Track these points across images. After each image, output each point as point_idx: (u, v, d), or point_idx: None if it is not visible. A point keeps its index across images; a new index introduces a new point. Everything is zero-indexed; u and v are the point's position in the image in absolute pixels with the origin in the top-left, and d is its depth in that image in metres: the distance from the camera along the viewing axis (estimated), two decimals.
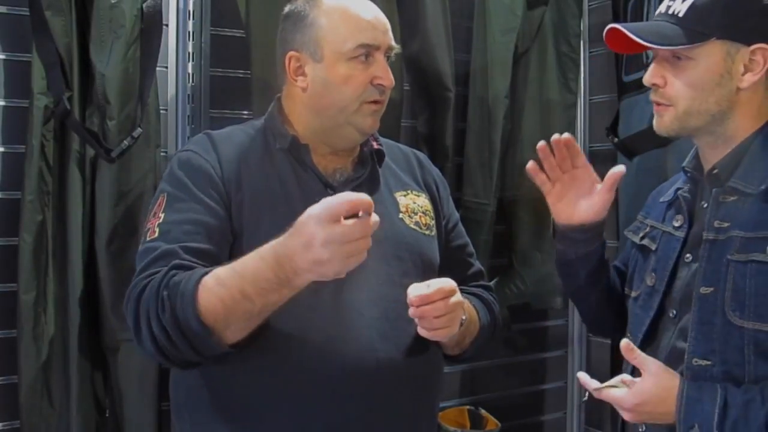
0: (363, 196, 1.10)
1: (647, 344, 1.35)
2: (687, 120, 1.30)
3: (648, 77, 1.32)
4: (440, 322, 1.28)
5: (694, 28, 1.26)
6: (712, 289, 1.25)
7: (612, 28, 1.31)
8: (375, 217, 1.11)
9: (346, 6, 1.39)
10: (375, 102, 1.39)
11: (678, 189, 1.41)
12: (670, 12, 1.29)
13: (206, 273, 1.21)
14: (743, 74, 1.27)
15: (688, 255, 1.33)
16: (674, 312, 1.33)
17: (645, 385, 1.21)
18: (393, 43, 1.41)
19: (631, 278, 1.48)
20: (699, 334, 1.25)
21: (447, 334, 1.32)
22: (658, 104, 1.33)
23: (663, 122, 1.33)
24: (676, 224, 1.38)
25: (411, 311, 1.26)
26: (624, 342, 1.23)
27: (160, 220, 1.31)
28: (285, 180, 1.38)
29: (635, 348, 1.23)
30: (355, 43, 1.36)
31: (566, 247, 1.49)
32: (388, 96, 1.42)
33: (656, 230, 1.43)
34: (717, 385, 1.20)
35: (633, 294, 1.45)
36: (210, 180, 1.34)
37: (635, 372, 1.30)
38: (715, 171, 1.32)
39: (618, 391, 1.22)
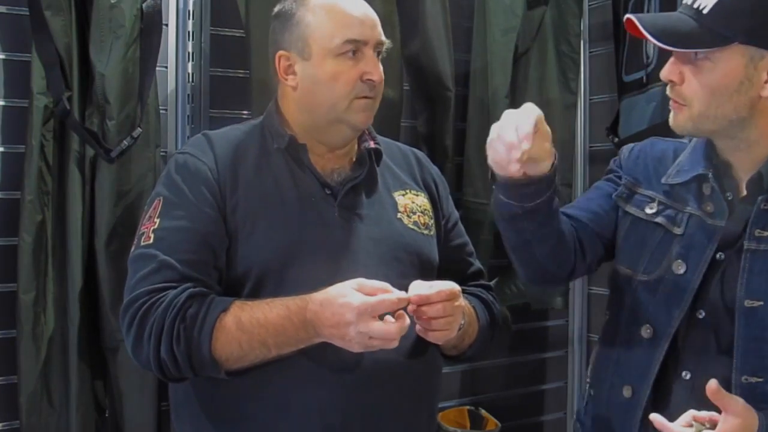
0: (401, 296, 1.21)
1: (674, 341, 1.27)
2: (702, 122, 1.24)
3: (665, 73, 1.25)
4: (438, 324, 1.28)
5: (717, 29, 1.19)
6: (760, 302, 1.20)
7: (629, 20, 1.24)
8: (406, 321, 1.21)
9: (332, 2, 1.38)
10: (366, 97, 1.37)
11: (700, 174, 1.31)
12: (695, 6, 1.22)
13: (225, 310, 1.25)
14: (766, 82, 1.20)
15: (720, 253, 1.26)
16: (702, 314, 1.26)
17: (731, 426, 1.11)
18: (383, 38, 1.40)
19: (631, 255, 1.37)
20: (747, 350, 1.20)
21: (443, 336, 1.31)
22: (675, 102, 1.26)
23: (677, 121, 1.27)
24: (708, 210, 1.28)
25: (409, 308, 1.26)
26: (713, 385, 1.11)
27: (156, 226, 1.32)
28: (281, 180, 1.37)
29: (721, 389, 1.11)
30: (342, 38, 1.35)
31: (510, 200, 1.27)
32: (380, 91, 1.40)
33: (671, 209, 1.33)
34: None
35: (643, 277, 1.34)
36: (206, 183, 1.34)
37: (666, 377, 1.27)
38: (757, 176, 1.25)
39: None
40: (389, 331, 1.19)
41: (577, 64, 2.53)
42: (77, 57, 1.82)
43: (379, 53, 1.40)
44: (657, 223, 1.34)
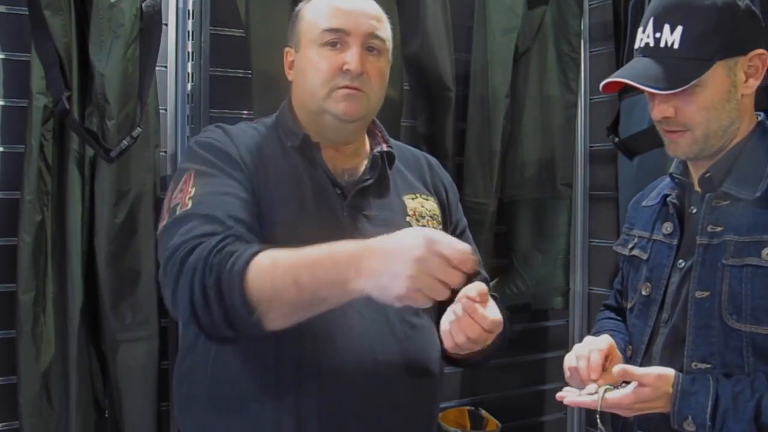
0: (468, 248, 1.08)
1: (648, 354, 1.35)
2: (706, 141, 1.30)
3: (659, 113, 1.30)
4: (473, 345, 1.25)
5: (696, 56, 1.25)
6: (707, 293, 1.26)
7: (610, 83, 1.31)
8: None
9: None
10: (346, 87, 1.35)
11: (665, 195, 1.41)
12: (662, 45, 1.27)
13: (262, 249, 1.16)
14: (746, 81, 1.28)
15: (680, 261, 1.33)
16: (666, 316, 1.33)
17: (640, 391, 1.21)
18: (376, 31, 1.38)
19: (625, 290, 1.48)
20: (697, 338, 1.26)
21: (455, 348, 1.27)
22: (672, 132, 1.31)
23: (680, 147, 1.31)
24: (667, 231, 1.38)
25: (479, 332, 1.22)
26: (617, 369, 1.21)
27: (191, 194, 1.26)
28: (298, 177, 1.37)
29: (628, 368, 1.21)
30: (322, 27, 1.36)
31: None
32: (369, 84, 1.37)
33: (644, 239, 1.43)
34: (709, 378, 1.21)
35: (628, 305, 1.45)
36: (234, 162, 1.32)
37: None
38: (708, 175, 1.32)
39: (615, 394, 1.22)
40: (446, 270, 1.05)
41: (577, 64, 2.53)
42: (77, 57, 1.82)
43: (372, 48, 1.38)
44: (633, 256, 1.45)
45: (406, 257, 1.05)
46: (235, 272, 1.12)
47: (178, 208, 1.25)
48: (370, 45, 1.38)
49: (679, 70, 1.25)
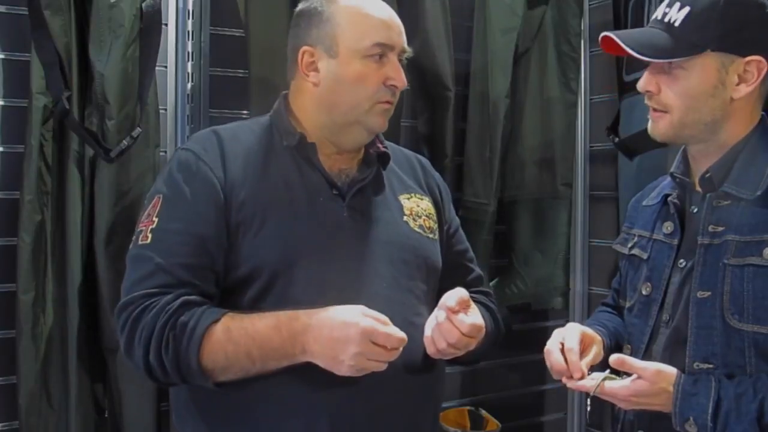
0: (404, 336, 1.22)
1: (648, 353, 1.35)
2: (682, 128, 1.31)
3: (642, 84, 1.32)
4: (455, 350, 1.32)
5: (689, 39, 1.26)
6: (708, 293, 1.26)
7: (606, 36, 1.32)
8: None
9: (363, 5, 1.40)
10: (387, 102, 1.39)
11: (666, 195, 1.41)
12: (666, 20, 1.29)
13: (216, 320, 1.24)
14: (737, 85, 1.28)
15: (681, 260, 1.34)
16: (667, 316, 1.33)
17: (639, 385, 1.22)
18: (406, 45, 1.42)
19: (624, 289, 1.48)
20: (699, 338, 1.26)
21: (441, 356, 1.35)
22: (655, 110, 1.33)
23: (658, 128, 1.33)
24: (667, 231, 1.38)
25: (458, 338, 1.29)
26: (614, 358, 1.23)
27: (154, 225, 1.31)
28: (289, 179, 1.37)
29: (626, 359, 1.23)
30: (372, 41, 1.37)
31: None
32: (398, 97, 1.42)
33: (644, 239, 1.43)
34: (711, 378, 1.21)
35: (627, 304, 1.45)
36: (206, 184, 1.33)
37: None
38: (708, 175, 1.32)
39: (614, 384, 1.23)
40: (384, 355, 1.20)
41: (577, 64, 2.53)
42: (76, 56, 1.82)
43: (400, 60, 1.41)
44: (633, 255, 1.45)
45: (346, 350, 1.19)
46: (192, 347, 1.23)
47: (140, 238, 1.32)
48: (401, 58, 1.41)
49: (668, 45, 1.27)
